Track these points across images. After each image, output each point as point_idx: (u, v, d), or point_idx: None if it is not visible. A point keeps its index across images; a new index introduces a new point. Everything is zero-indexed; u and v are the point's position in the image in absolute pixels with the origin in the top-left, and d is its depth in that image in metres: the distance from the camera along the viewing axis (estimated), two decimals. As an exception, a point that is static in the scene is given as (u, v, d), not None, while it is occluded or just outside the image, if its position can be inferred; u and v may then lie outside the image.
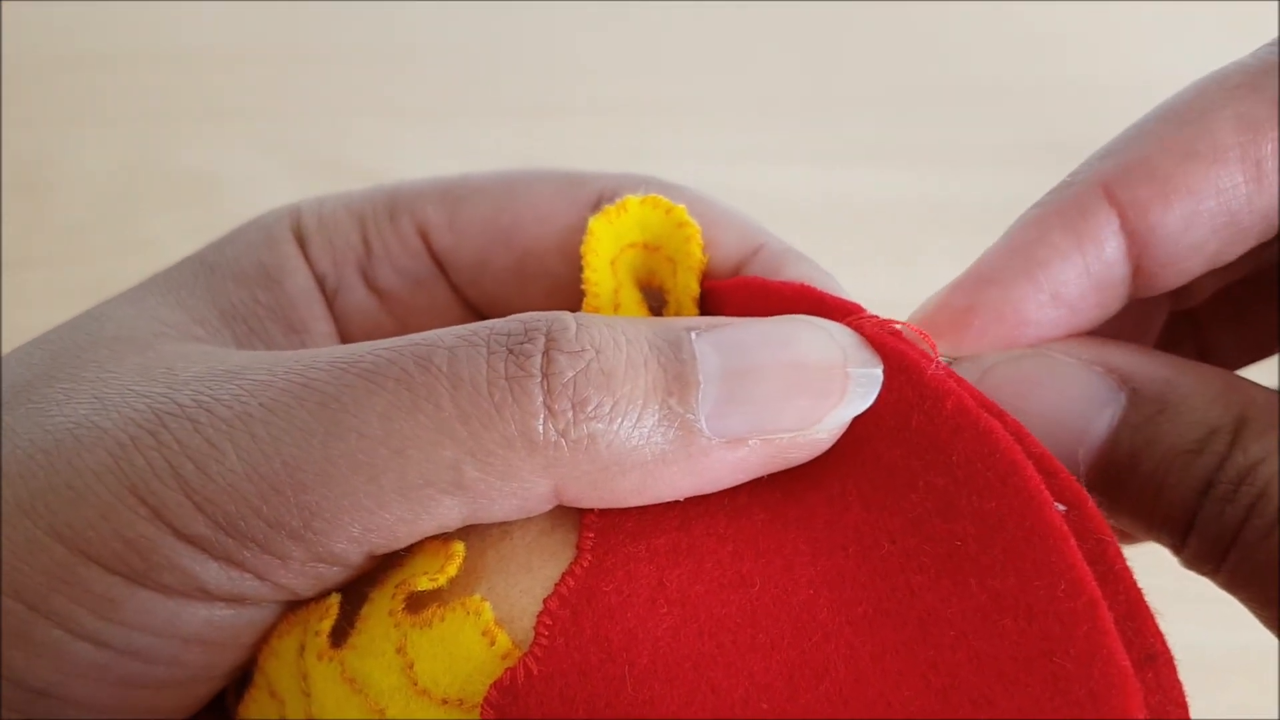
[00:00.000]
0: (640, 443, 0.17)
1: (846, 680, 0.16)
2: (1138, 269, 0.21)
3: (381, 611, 0.18)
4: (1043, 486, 0.16)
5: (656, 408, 0.17)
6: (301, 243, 0.22)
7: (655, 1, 0.61)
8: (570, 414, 0.17)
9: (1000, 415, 0.17)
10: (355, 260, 0.22)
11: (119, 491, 0.17)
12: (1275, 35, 0.62)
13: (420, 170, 0.54)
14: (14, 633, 0.17)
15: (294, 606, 0.19)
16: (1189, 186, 0.20)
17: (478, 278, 0.22)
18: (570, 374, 0.17)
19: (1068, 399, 0.20)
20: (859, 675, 0.16)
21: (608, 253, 0.20)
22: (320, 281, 0.22)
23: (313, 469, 0.17)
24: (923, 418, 0.17)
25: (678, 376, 0.17)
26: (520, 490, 0.17)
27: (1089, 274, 0.20)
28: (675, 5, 0.60)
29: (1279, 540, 0.18)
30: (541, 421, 0.17)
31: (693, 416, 0.17)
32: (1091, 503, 0.16)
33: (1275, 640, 0.38)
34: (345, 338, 0.22)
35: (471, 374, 0.17)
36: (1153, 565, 0.41)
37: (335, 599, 0.18)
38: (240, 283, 0.21)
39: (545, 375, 0.17)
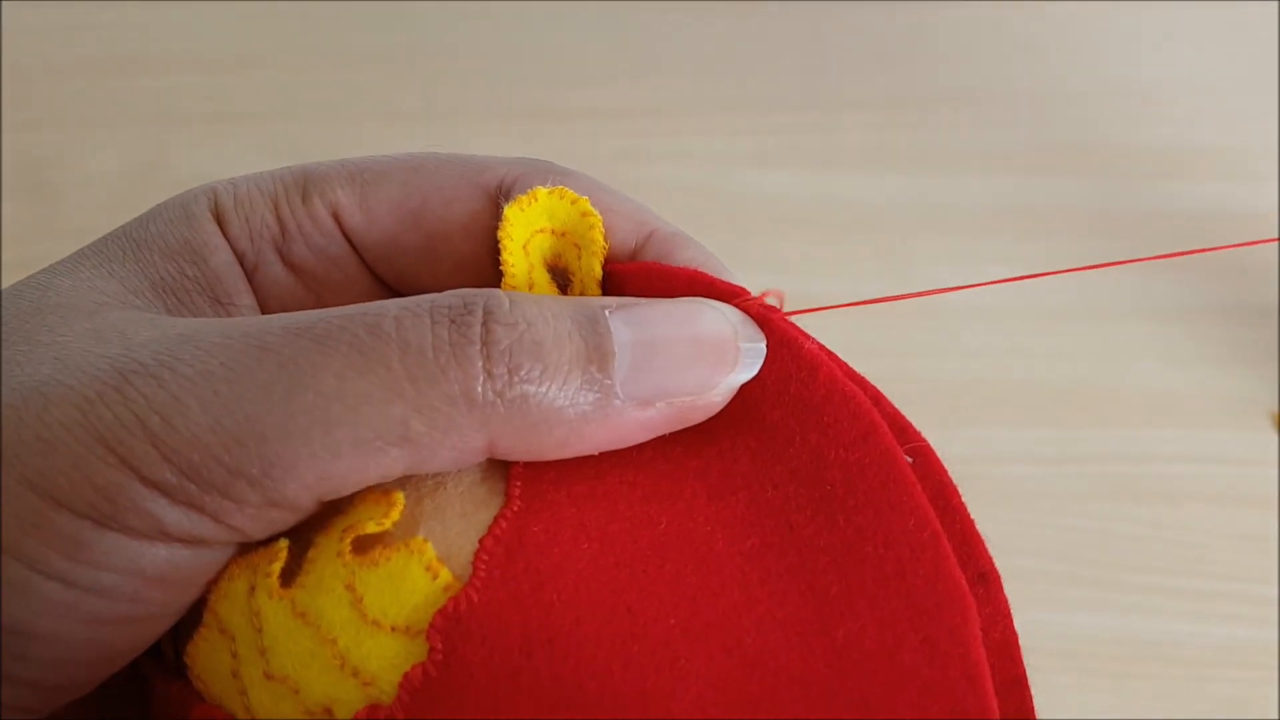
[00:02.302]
0: (565, 404, 0.20)
1: (740, 600, 0.20)
2: None
3: (330, 554, 0.20)
4: (894, 443, 0.20)
5: (579, 374, 0.20)
6: (220, 222, 0.23)
7: (654, 3, 0.61)
8: (506, 377, 0.19)
9: (861, 383, 0.21)
10: (271, 238, 0.24)
11: (88, 442, 0.18)
12: (1275, 36, 0.62)
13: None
14: None
15: (243, 551, 0.21)
16: None
17: (388, 255, 0.24)
18: (506, 342, 0.19)
19: None
20: (749, 595, 0.20)
21: (521, 237, 0.23)
22: (240, 258, 0.23)
23: (273, 422, 0.18)
24: (799, 385, 0.21)
25: (597, 348, 0.20)
26: (459, 443, 0.19)
27: None
28: (672, 10, 0.61)
29: None
30: (481, 383, 0.19)
31: (610, 382, 0.20)
32: (933, 452, 0.20)
33: (1272, 636, 0.39)
34: (265, 310, 0.24)
35: (418, 340, 0.19)
36: (1143, 564, 0.41)
37: (284, 544, 0.20)
38: (167, 257, 0.23)
39: (484, 343, 0.19)
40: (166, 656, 0.22)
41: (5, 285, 0.48)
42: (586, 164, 0.59)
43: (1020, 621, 0.20)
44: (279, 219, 0.23)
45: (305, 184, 0.24)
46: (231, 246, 0.23)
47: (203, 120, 0.56)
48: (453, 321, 0.19)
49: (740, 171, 0.54)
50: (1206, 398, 0.46)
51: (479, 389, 0.19)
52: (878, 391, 0.21)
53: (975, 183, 0.53)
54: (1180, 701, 0.38)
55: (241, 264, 0.23)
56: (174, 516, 0.18)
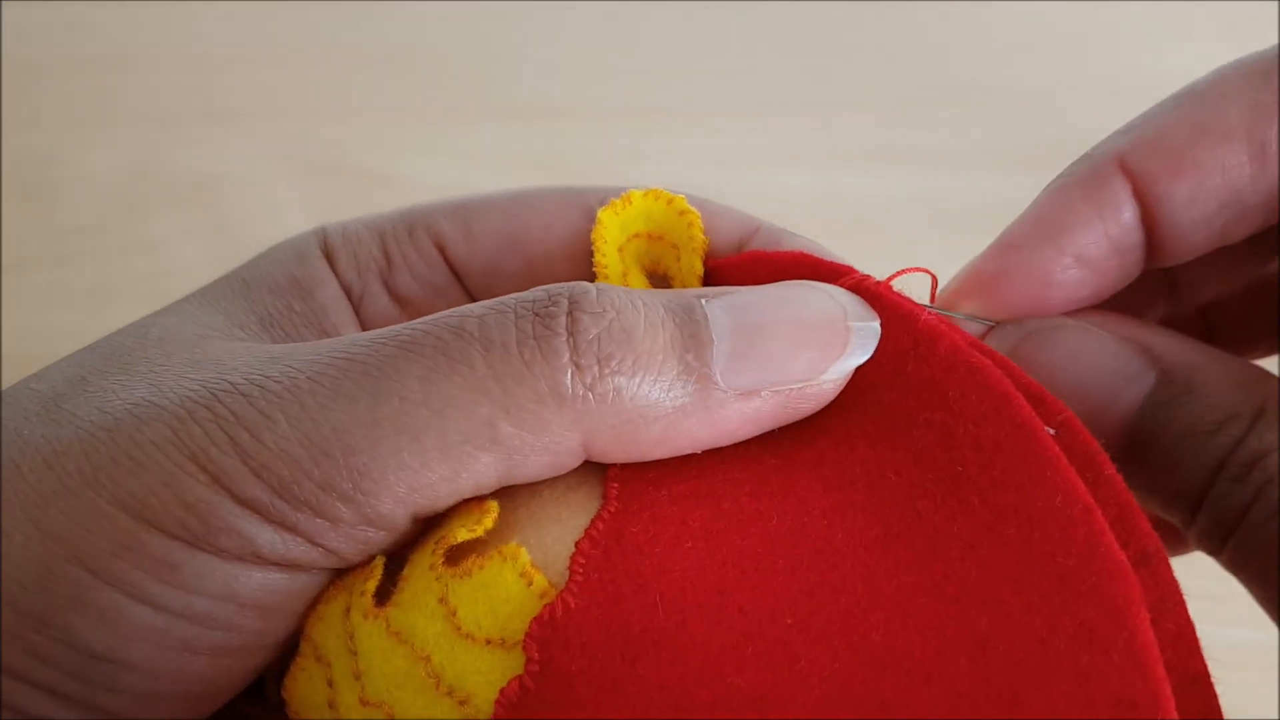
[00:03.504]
0: (661, 396, 0.19)
1: (863, 594, 0.18)
2: (1150, 238, 0.22)
3: (423, 567, 0.19)
4: (1032, 412, 0.18)
5: (675, 363, 0.19)
6: (329, 257, 0.24)
7: (654, 3, 0.61)
8: (596, 369, 0.18)
9: (989, 353, 0.19)
10: (378, 271, 0.24)
11: (179, 460, 0.18)
12: (1275, 36, 0.62)
13: (422, 172, 0.55)
14: (76, 598, 0.18)
15: (339, 575, 0.20)
16: (1196, 162, 0.21)
17: (490, 283, 0.24)
18: (594, 332, 0.19)
19: (1101, 371, 0.22)
20: (874, 589, 0.18)
21: (615, 240, 0.22)
22: (347, 291, 0.24)
23: (360, 432, 0.18)
24: (918, 361, 0.19)
25: (693, 334, 0.19)
26: (552, 445, 0.19)
27: (1109, 238, 0.22)
28: (674, 8, 0.61)
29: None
30: (569, 376, 0.18)
31: (708, 370, 0.19)
32: (1078, 422, 0.18)
33: (1272, 637, 0.38)
34: None
35: (502, 337, 0.18)
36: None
37: (380, 560, 0.19)
38: (275, 293, 0.23)
39: (570, 334, 0.19)
40: (271, 701, 0.21)
41: (5, 284, 0.48)
42: (586, 164, 0.59)
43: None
44: (385, 253, 0.24)
45: (411, 220, 0.24)
46: (339, 280, 0.23)
47: (203, 120, 0.56)
48: (536, 315, 0.19)
49: (740, 171, 0.54)
50: (1207, 398, 0.46)
51: (567, 383, 0.18)
52: (1008, 361, 0.19)
53: (976, 182, 0.53)
54: (1181, 702, 0.38)
55: (349, 296, 0.23)
56: (266, 537, 0.18)
